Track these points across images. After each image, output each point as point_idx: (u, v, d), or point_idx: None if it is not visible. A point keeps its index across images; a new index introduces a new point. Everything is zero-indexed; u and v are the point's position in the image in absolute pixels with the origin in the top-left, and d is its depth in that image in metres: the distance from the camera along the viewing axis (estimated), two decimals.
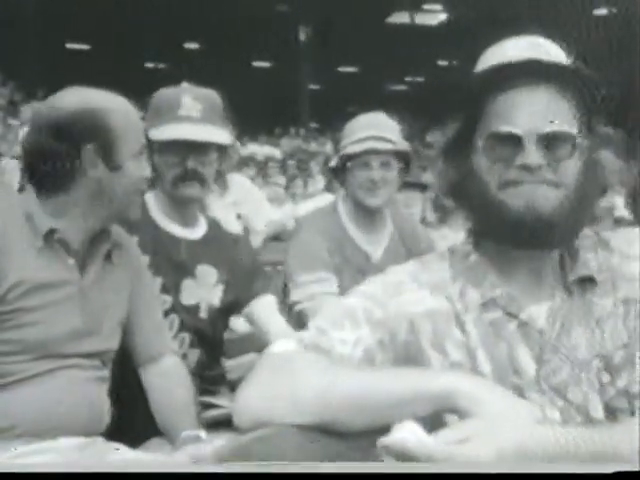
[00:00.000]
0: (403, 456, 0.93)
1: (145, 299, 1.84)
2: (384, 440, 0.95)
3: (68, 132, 1.63)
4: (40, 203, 1.67)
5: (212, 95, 2.10)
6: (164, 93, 2.10)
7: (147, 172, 1.75)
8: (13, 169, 6.84)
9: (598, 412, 1.12)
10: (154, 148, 2.01)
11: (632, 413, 1.12)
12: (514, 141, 1.14)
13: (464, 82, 1.23)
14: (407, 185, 3.46)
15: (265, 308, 2.13)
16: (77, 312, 1.66)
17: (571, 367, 1.14)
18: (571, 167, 1.15)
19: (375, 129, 2.48)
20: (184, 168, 2.00)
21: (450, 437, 0.95)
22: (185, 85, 2.10)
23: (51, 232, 1.64)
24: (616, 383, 1.13)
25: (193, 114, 2.02)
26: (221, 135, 2.05)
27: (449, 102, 1.26)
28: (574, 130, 1.16)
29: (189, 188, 2.02)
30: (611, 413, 1.12)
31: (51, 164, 1.64)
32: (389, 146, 2.46)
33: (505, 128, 1.15)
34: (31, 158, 1.69)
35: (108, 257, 1.74)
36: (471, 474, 0.92)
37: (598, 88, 1.17)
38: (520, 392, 1.11)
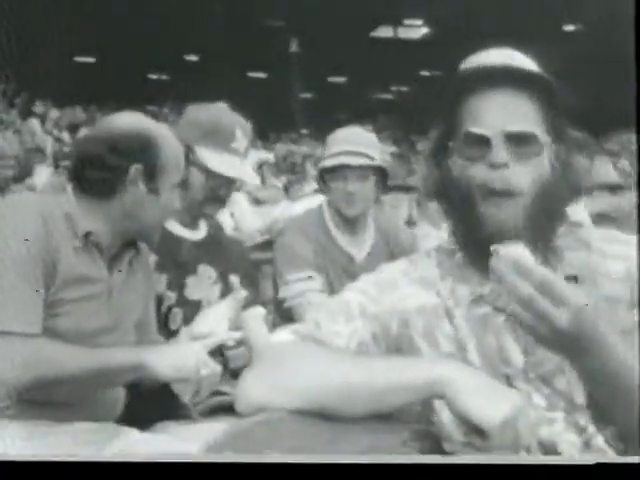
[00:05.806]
0: (514, 266, 0.96)
1: (150, 308, 1.85)
2: (501, 248, 0.96)
3: (123, 148, 1.65)
4: (78, 204, 1.67)
5: (249, 129, 2.12)
6: (221, 119, 2.07)
7: (177, 205, 1.76)
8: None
9: (581, 399, 1.12)
10: (197, 163, 2.02)
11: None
12: (483, 141, 1.13)
13: (442, 88, 1.21)
14: (394, 188, 3.44)
15: (253, 320, 2.12)
16: (104, 309, 1.67)
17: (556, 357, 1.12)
18: (533, 171, 1.13)
19: (350, 144, 2.42)
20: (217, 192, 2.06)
21: None
22: (239, 117, 2.11)
23: (88, 234, 1.65)
24: None
25: (241, 149, 2.05)
26: (253, 176, 2.15)
27: (431, 108, 1.25)
28: (539, 132, 1.14)
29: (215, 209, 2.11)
30: (595, 399, 1.11)
31: (99, 173, 1.65)
32: (362, 161, 2.40)
33: (475, 129, 1.14)
34: (81, 163, 1.69)
35: (131, 262, 1.76)
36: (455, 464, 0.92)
37: (564, 94, 1.15)
38: (509, 381, 1.11)
